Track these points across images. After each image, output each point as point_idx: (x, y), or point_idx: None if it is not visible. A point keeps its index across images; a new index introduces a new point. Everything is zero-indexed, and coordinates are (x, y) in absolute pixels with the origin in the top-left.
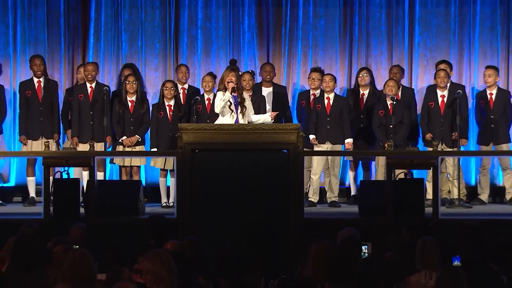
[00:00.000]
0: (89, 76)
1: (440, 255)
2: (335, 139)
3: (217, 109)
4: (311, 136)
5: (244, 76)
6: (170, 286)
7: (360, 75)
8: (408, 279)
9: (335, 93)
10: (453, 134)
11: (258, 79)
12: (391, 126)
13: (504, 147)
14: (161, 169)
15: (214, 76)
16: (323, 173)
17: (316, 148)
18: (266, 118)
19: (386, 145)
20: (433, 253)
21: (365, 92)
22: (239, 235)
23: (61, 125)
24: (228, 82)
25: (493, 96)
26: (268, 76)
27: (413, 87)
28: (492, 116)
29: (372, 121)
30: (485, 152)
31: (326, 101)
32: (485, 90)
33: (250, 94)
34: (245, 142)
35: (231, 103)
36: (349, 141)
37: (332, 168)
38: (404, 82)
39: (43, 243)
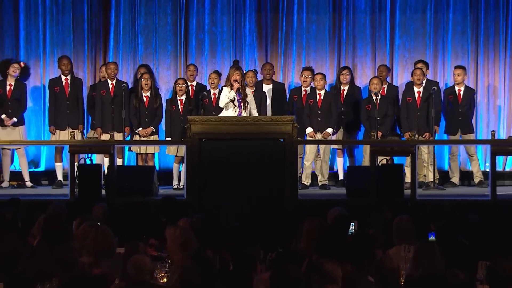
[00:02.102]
0: (112, 74)
1: (414, 231)
2: (324, 129)
3: (221, 104)
4: (309, 130)
5: (248, 74)
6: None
7: (343, 73)
8: (388, 252)
9: (325, 90)
10: (424, 134)
11: (259, 77)
12: (378, 119)
13: (470, 136)
14: (175, 156)
15: (219, 74)
16: (314, 160)
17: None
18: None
19: (372, 135)
20: (408, 229)
21: (345, 88)
22: (241, 213)
23: (85, 117)
24: (234, 81)
25: (461, 92)
26: (268, 74)
27: (394, 84)
28: (460, 110)
29: (361, 114)
30: (456, 141)
31: (317, 96)
32: (453, 87)
33: (253, 90)
34: (246, 132)
35: (235, 98)
36: (328, 130)
37: (323, 155)
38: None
39: (69, 221)
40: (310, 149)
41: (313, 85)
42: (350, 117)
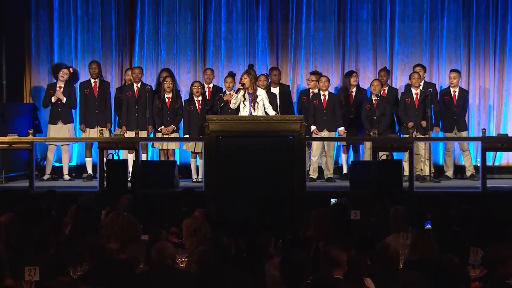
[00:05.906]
0: (136, 78)
1: (408, 220)
2: (330, 127)
3: (232, 105)
4: (313, 127)
5: (260, 78)
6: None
7: (352, 76)
8: (387, 239)
9: (329, 91)
10: (422, 122)
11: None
12: (375, 118)
13: (464, 133)
14: (191, 152)
15: (234, 77)
16: (320, 155)
17: (314, 136)
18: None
19: (371, 133)
20: (402, 219)
21: (353, 90)
22: (254, 204)
23: (112, 116)
24: (241, 83)
25: (456, 94)
26: (275, 78)
27: (394, 87)
28: (455, 109)
29: (361, 113)
30: (449, 138)
31: (322, 97)
32: (449, 88)
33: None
34: (259, 130)
35: (245, 98)
36: (341, 128)
37: (328, 150)
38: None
39: (98, 210)
40: (316, 145)
41: (318, 87)
42: (357, 116)
